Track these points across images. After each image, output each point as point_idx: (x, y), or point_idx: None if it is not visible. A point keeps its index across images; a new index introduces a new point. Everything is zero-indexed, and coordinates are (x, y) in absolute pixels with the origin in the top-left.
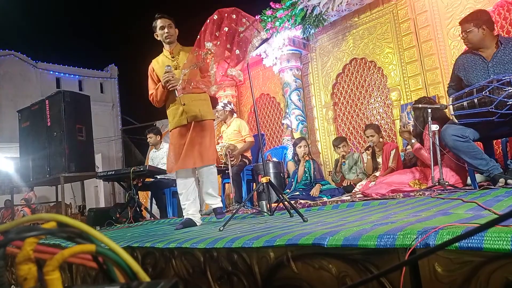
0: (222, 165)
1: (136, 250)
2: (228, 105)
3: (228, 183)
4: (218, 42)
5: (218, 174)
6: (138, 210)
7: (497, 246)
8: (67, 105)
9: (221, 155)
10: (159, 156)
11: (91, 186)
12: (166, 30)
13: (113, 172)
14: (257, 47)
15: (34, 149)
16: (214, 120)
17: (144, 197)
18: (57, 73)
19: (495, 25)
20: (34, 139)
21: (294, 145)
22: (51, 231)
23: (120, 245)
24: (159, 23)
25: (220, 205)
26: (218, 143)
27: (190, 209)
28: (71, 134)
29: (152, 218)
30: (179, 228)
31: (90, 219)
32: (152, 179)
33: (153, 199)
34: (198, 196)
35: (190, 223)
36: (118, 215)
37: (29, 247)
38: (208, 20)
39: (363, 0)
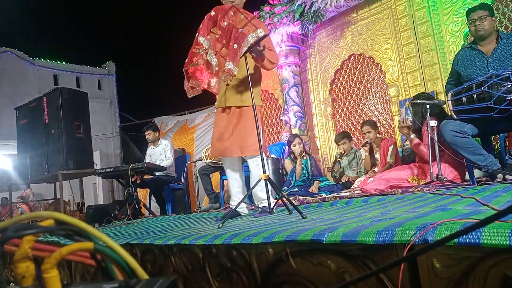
0: (221, 162)
1: (135, 247)
2: None
3: (227, 179)
4: (216, 36)
5: (216, 171)
6: (137, 207)
7: (495, 241)
8: (64, 102)
9: None
10: (157, 152)
11: (90, 183)
12: None
13: (112, 169)
14: (253, 44)
15: (32, 146)
16: (261, 106)
17: (143, 194)
18: (54, 70)
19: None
20: (32, 137)
21: (289, 143)
22: (49, 229)
23: (119, 242)
24: None
25: (265, 204)
26: None
27: (235, 199)
28: (69, 131)
29: (151, 215)
30: (219, 220)
31: (88, 216)
32: (151, 176)
33: (152, 196)
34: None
35: (233, 214)
36: (116, 212)
37: (27, 245)
38: (205, 17)
39: None
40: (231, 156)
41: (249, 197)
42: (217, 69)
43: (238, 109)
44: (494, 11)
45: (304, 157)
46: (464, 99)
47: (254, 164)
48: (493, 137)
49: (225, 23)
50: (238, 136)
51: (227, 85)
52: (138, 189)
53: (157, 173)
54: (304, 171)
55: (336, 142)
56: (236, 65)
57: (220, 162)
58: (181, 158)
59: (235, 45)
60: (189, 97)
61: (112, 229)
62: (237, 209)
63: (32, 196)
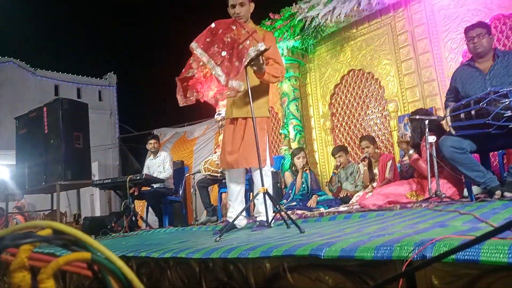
0: (219, 175)
1: (131, 259)
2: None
3: (225, 192)
4: (215, 47)
5: (214, 184)
6: (133, 219)
7: (494, 258)
8: (65, 113)
9: (218, 164)
10: (155, 164)
11: (87, 194)
12: (236, 9)
13: (110, 181)
14: (253, 57)
15: (31, 156)
16: (267, 117)
17: (140, 206)
18: (55, 80)
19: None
20: (31, 146)
21: (293, 155)
22: (46, 238)
23: (115, 254)
24: (230, 0)
25: (263, 217)
26: (215, 152)
27: (233, 211)
28: (68, 142)
29: (147, 228)
30: (216, 233)
31: (85, 227)
32: (149, 188)
33: (150, 208)
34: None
35: (230, 227)
36: (113, 224)
37: (24, 254)
38: (206, 29)
39: (361, 12)
40: (238, 167)
41: (246, 210)
42: (224, 84)
43: (244, 121)
44: (492, 28)
45: (306, 171)
46: (462, 115)
47: (257, 177)
48: (491, 154)
49: (229, 39)
50: (244, 147)
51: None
52: (135, 201)
53: (155, 185)
54: (303, 185)
55: (333, 154)
56: (240, 80)
57: (219, 175)
58: (179, 170)
59: (237, 62)
60: (181, 105)
61: (108, 241)
62: (234, 223)
63: (27, 206)
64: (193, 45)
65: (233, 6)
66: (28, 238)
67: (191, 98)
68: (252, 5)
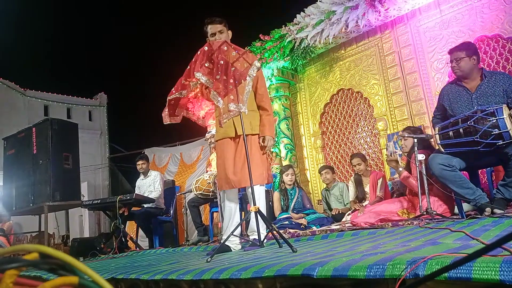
0: (211, 194)
1: (121, 282)
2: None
3: (217, 211)
4: (213, 73)
5: (206, 203)
6: (123, 240)
7: (486, 276)
8: (54, 133)
9: (210, 183)
10: (146, 183)
11: (76, 215)
12: (216, 37)
13: (99, 201)
14: (254, 76)
15: (18, 177)
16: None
17: (130, 226)
18: (45, 101)
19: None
20: (18, 167)
21: (281, 172)
22: (33, 263)
23: (104, 276)
24: (209, 29)
25: (256, 236)
26: (207, 171)
27: (229, 232)
28: (57, 162)
29: (137, 249)
30: (210, 254)
31: (73, 249)
32: (139, 208)
33: (139, 228)
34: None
35: (224, 249)
36: (102, 246)
37: (9, 279)
38: (198, 52)
39: (349, 34)
40: (241, 186)
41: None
42: (223, 106)
43: (248, 137)
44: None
45: (292, 186)
46: (451, 133)
47: (256, 193)
48: (480, 171)
49: (222, 61)
50: (250, 164)
51: None
52: (126, 221)
53: (145, 205)
54: (296, 203)
55: (319, 171)
56: (242, 103)
57: (210, 194)
58: (170, 189)
59: (231, 86)
60: (165, 123)
61: (98, 263)
62: (228, 245)
63: (13, 228)
64: (198, 75)
65: (213, 35)
66: (14, 262)
67: (178, 117)
68: (230, 32)
